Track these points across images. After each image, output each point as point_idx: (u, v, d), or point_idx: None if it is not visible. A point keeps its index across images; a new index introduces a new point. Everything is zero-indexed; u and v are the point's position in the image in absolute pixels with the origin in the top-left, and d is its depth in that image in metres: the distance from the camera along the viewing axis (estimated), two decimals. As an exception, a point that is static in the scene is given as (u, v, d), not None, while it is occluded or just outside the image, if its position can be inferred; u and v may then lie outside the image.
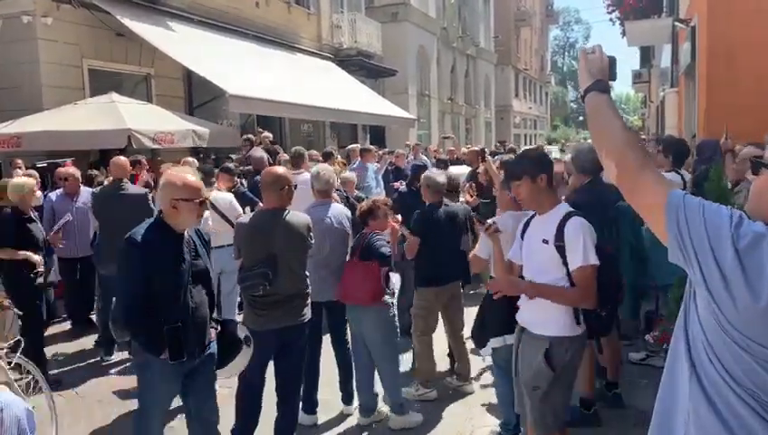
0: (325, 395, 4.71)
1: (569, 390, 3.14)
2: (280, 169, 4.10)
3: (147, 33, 11.49)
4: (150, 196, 6.15)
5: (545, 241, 3.01)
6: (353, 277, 4.28)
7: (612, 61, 1.84)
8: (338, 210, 4.67)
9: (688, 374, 1.49)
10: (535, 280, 3.03)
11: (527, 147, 11.87)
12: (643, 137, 12.10)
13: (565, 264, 2.95)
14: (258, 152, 9.12)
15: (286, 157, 8.96)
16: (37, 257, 5.28)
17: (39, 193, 5.63)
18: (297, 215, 3.94)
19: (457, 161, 12.79)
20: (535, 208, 3.16)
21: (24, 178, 5.72)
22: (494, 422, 4.41)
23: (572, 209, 3.09)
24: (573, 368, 3.08)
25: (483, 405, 4.83)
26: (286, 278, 3.79)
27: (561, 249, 2.95)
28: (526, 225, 3.25)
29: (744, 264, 1.34)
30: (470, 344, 5.95)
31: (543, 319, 3.05)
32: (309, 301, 4.02)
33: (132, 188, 6.13)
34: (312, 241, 4.00)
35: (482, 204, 6.99)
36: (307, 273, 4.04)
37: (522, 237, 3.24)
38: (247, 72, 12.97)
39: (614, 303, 3.32)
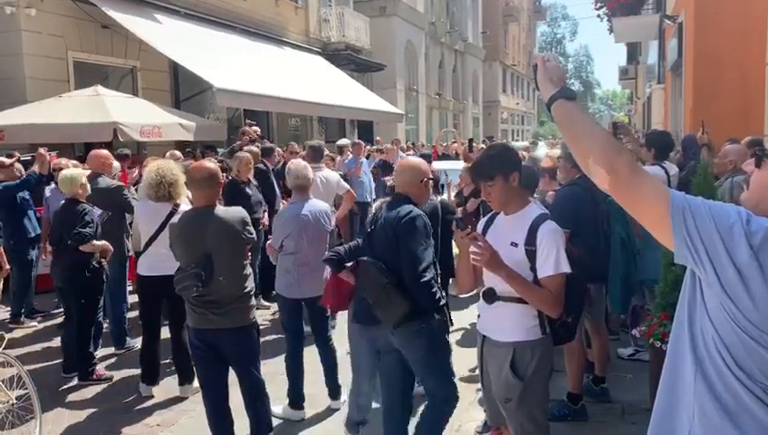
0: (311, 389, 4.71)
1: (544, 393, 3.01)
2: (210, 165, 3.96)
3: (133, 25, 11.39)
4: (133, 189, 6.11)
5: (514, 244, 2.87)
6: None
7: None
8: (316, 206, 4.61)
9: (693, 371, 1.48)
10: (500, 284, 2.87)
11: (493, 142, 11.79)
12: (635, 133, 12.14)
13: (533, 269, 2.83)
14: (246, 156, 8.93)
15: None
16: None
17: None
18: (229, 210, 3.79)
19: (456, 156, 12.83)
20: (506, 209, 2.98)
21: (77, 170, 5.60)
22: (481, 417, 4.41)
23: (543, 211, 2.97)
24: (543, 371, 2.94)
25: (470, 400, 4.83)
26: (223, 278, 3.63)
27: (531, 253, 2.82)
28: (489, 222, 3.09)
29: (761, 260, 1.35)
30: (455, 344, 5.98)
31: (505, 325, 2.92)
32: (252, 302, 3.85)
33: (105, 182, 6.02)
34: (252, 235, 3.83)
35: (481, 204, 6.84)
36: (248, 272, 3.84)
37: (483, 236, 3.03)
38: (234, 65, 12.89)
39: (580, 308, 3.23)
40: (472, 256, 2.81)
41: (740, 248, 1.36)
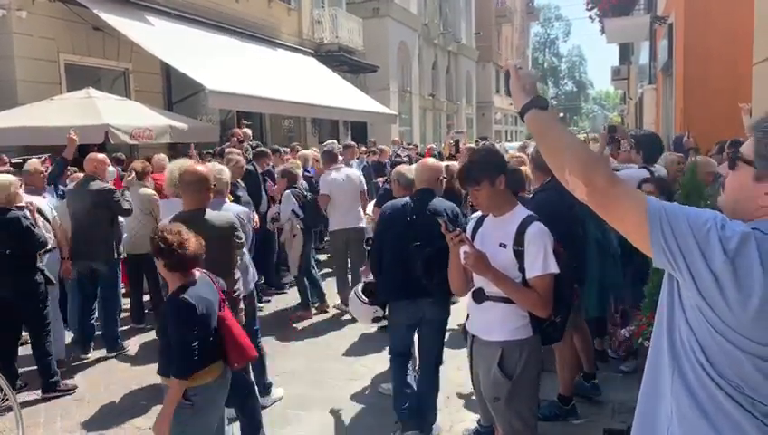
0: (305, 390, 4.71)
1: (533, 392, 3.04)
2: (201, 169, 3.92)
3: (124, 27, 11.35)
4: (123, 191, 6.14)
5: (503, 245, 2.90)
6: None
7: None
8: (229, 209, 4.51)
9: (670, 370, 1.51)
10: (488, 284, 2.90)
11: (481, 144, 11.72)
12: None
13: (522, 270, 2.86)
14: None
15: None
16: None
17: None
18: (219, 214, 3.77)
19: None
20: (493, 212, 3.02)
21: (8, 175, 5.41)
22: (472, 417, 4.43)
23: (531, 213, 3.00)
24: (531, 371, 2.97)
25: (462, 399, 4.85)
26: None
27: (519, 254, 2.86)
28: (477, 225, 3.12)
29: (736, 264, 1.36)
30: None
31: (493, 325, 2.95)
32: (240, 306, 3.83)
33: (97, 185, 5.99)
34: (241, 240, 3.81)
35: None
36: (238, 275, 3.85)
37: (471, 238, 3.07)
38: (227, 67, 12.87)
39: (569, 308, 3.24)
40: (461, 256, 2.85)
41: (715, 254, 1.37)
